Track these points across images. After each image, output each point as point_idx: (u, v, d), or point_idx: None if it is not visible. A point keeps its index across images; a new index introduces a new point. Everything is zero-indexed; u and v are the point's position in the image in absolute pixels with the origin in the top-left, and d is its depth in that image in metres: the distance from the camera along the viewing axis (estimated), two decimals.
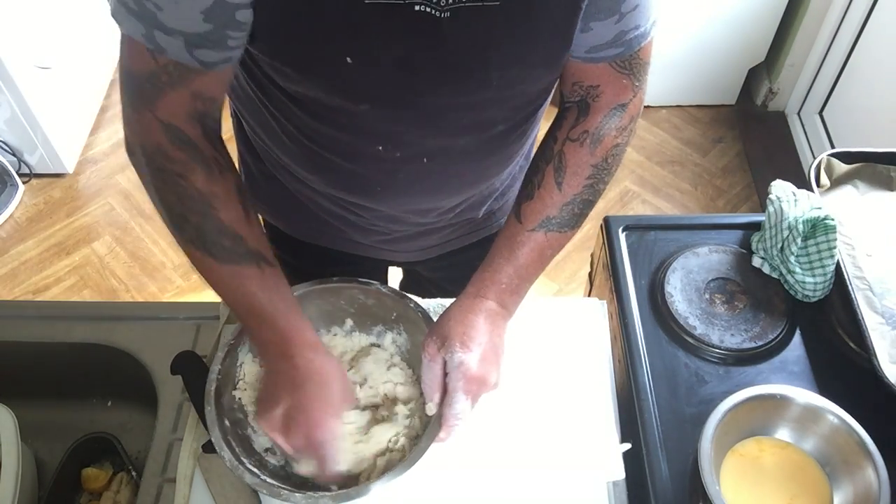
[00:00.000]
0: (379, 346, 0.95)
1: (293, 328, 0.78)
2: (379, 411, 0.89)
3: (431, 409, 0.81)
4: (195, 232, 0.74)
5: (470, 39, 0.68)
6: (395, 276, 1.35)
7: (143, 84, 0.69)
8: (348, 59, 0.68)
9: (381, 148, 0.80)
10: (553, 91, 0.88)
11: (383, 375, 0.91)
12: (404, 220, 0.98)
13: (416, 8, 0.64)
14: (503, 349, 0.84)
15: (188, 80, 0.69)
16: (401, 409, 0.88)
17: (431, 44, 0.68)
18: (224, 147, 0.77)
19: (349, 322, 0.96)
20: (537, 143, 0.90)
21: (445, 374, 0.80)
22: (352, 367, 0.93)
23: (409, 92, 0.73)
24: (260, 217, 1.12)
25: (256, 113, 0.86)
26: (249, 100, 0.85)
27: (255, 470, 0.79)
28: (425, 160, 0.83)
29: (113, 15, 0.67)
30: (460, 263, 1.13)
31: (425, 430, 0.81)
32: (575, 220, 0.86)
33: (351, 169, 0.85)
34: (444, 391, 0.80)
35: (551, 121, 0.88)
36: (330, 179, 0.89)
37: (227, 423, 0.83)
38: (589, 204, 0.86)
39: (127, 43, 0.68)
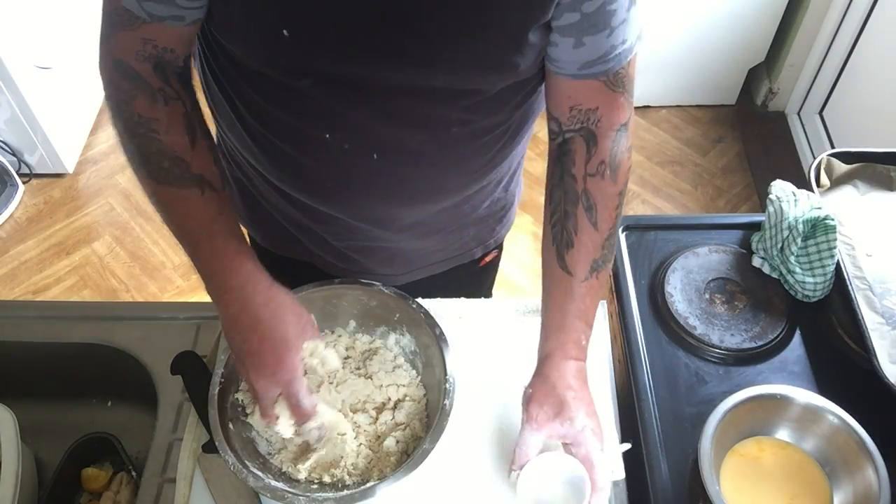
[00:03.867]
0: (382, 346, 0.95)
1: (232, 255, 0.77)
2: (383, 413, 0.89)
3: (514, 477, 0.80)
4: (139, 155, 0.77)
5: (421, 23, 0.68)
6: None
7: (105, 20, 0.74)
8: (285, 33, 0.68)
9: (328, 136, 0.80)
10: (518, 127, 0.87)
11: (388, 377, 0.91)
12: (365, 232, 0.95)
13: None
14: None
15: (136, 26, 0.72)
16: (405, 410, 0.88)
17: (375, 23, 0.68)
18: (183, 87, 0.78)
19: (352, 323, 0.96)
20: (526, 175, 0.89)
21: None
22: (358, 367, 0.93)
23: (352, 73, 0.73)
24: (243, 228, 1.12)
25: (221, 106, 0.86)
26: (212, 88, 0.86)
27: (259, 473, 0.79)
28: (375, 156, 0.81)
29: None
30: (433, 291, 1.06)
31: (428, 432, 0.81)
32: (612, 254, 0.86)
33: (300, 160, 0.84)
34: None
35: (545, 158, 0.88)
36: (282, 172, 0.88)
37: (230, 426, 0.83)
38: (616, 232, 0.87)
39: None
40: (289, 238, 1.02)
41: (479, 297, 1.07)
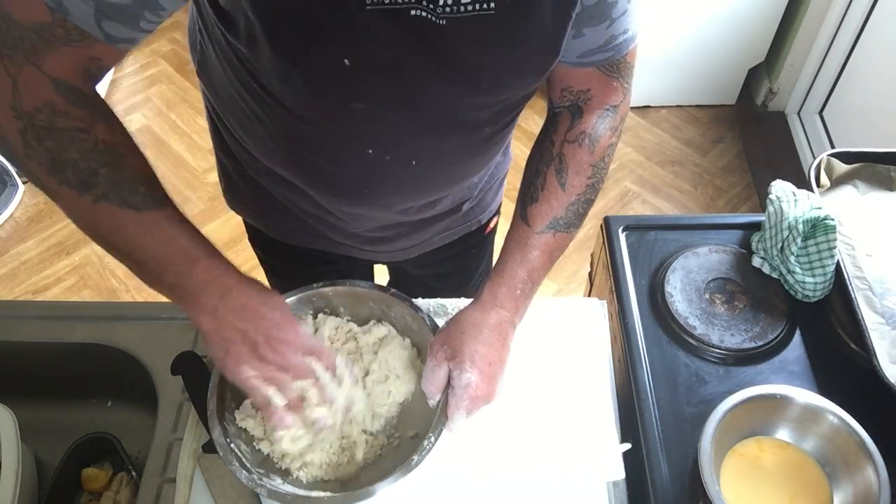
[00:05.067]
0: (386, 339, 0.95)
1: (226, 264, 0.77)
2: (386, 417, 0.89)
3: (432, 404, 0.83)
4: (108, 185, 0.69)
5: (465, 46, 0.69)
6: (380, 274, 1.35)
7: (28, 34, 0.62)
8: (346, 62, 0.68)
9: (370, 151, 0.80)
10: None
11: (389, 383, 0.90)
12: (385, 220, 0.98)
13: (413, 13, 0.64)
14: (508, 360, 0.85)
15: (86, 45, 0.64)
16: (408, 411, 0.88)
17: (428, 49, 0.68)
18: (104, 100, 0.72)
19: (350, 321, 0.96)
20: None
21: (448, 378, 0.82)
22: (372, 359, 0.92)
23: (404, 94, 0.73)
24: (242, 220, 1.12)
25: (241, 116, 0.86)
26: (234, 104, 0.84)
27: (260, 473, 0.79)
28: (414, 162, 0.83)
29: None
30: (444, 261, 1.17)
31: (427, 431, 0.81)
32: (579, 220, 0.88)
33: (338, 172, 0.85)
34: (444, 392, 0.82)
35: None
36: (316, 183, 0.89)
37: (228, 427, 0.83)
38: (590, 203, 0.88)
39: None
40: (302, 229, 1.04)
41: (487, 264, 1.13)
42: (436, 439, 0.80)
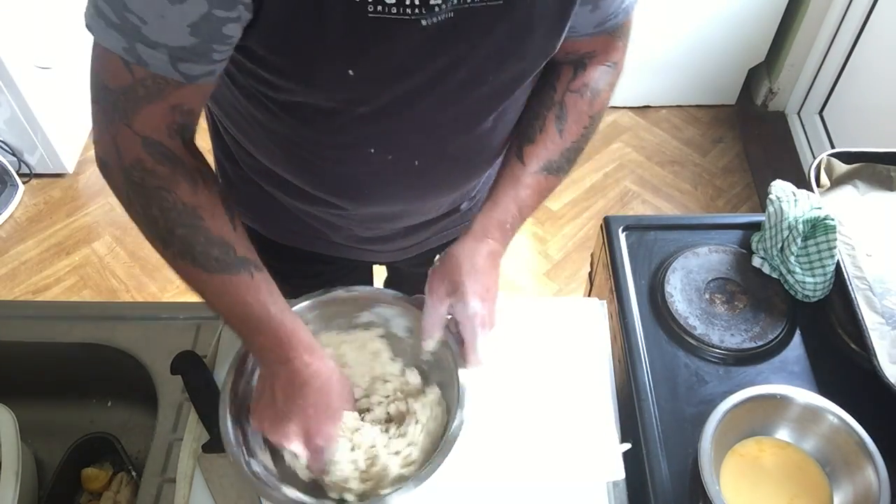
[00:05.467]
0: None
1: (289, 332, 0.78)
2: (391, 426, 0.88)
3: (430, 345, 0.84)
4: (183, 245, 0.73)
5: (473, 41, 0.69)
6: (378, 274, 1.35)
7: (118, 97, 0.67)
8: (350, 72, 0.68)
9: (372, 150, 0.80)
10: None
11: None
12: (387, 219, 0.98)
13: (415, 19, 0.64)
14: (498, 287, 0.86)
15: (167, 93, 0.67)
16: (416, 413, 0.88)
17: (431, 53, 0.68)
18: (202, 155, 0.76)
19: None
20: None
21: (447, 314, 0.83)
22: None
23: (407, 97, 0.73)
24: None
25: (240, 120, 0.86)
26: (233, 108, 0.84)
27: (272, 481, 0.79)
28: (416, 162, 0.83)
29: (88, 27, 0.64)
30: None
31: (436, 447, 0.80)
32: (569, 165, 0.89)
33: (340, 172, 0.85)
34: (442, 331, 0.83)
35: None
36: (318, 184, 0.89)
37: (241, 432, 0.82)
38: (580, 151, 0.90)
39: (101, 56, 0.66)
40: (301, 230, 1.04)
41: None
42: (447, 452, 0.78)
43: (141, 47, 0.63)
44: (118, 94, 0.67)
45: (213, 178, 0.75)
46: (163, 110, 0.68)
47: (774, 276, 1.08)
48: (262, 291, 0.77)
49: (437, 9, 0.65)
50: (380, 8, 0.63)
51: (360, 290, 0.92)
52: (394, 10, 0.63)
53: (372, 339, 0.91)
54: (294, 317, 0.80)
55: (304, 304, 0.90)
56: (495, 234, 0.85)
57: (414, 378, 0.88)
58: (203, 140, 0.82)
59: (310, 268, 1.13)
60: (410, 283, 1.31)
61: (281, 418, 0.77)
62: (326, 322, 0.91)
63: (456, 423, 0.81)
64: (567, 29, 0.75)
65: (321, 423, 0.77)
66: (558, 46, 0.77)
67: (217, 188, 0.75)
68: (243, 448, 0.80)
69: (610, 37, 0.85)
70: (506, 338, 0.99)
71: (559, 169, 0.88)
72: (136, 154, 0.69)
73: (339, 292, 0.91)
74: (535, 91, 0.89)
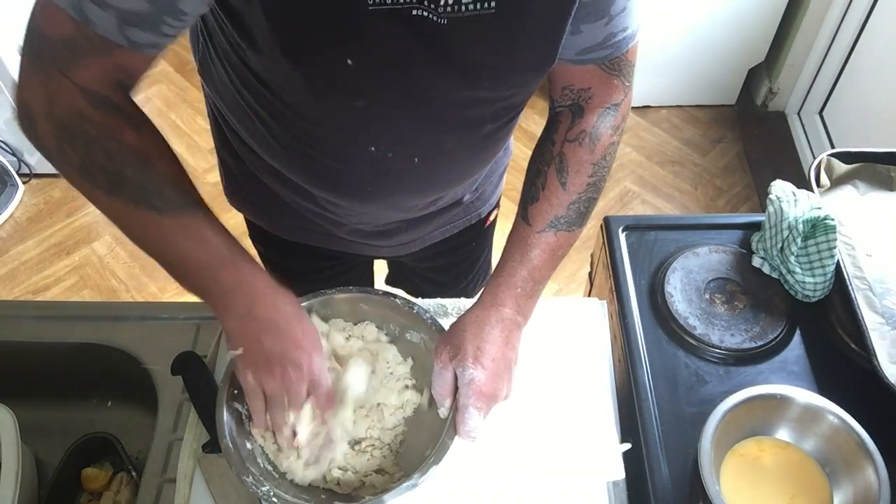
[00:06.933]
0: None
1: (255, 269, 0.77)
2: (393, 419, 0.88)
3: (444, 412, 0.82)
4: (135, 187, 0.70)
5: (466, 44, 0.69)
6: (380, 269, 1.35)
7: (58, 47, 0.65)
8: (349, 62, 0.68)
9: (373, 148, 0.80)
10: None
11: (401, 396, 0.89)
12: (388, 216, 0.98)
13: (415, 12, 0.65)
14: (517, 360, 0.84)
15: (110, 52, 0.65)
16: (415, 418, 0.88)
17: (429, 48, 0.68)
18: (141, 110, 0.74)
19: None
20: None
21: (456, 381, 0.81)
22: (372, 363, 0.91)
23: (406, 92, 0.74)
24: (242, 216, 1.13)
25: (243, 117, 0.86)
26: (236, 103, 0.85)
27: (265, 483, 0.79)
28: (416, 159, 0.83)
29: None
30: (444, 254, 1.18)
31: (436, 441, 0.80)
32: (581, 219, 0.88)
33: (342, 170, 0.85)
34: (455, 398, 0.81)
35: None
36: (319, 180, 0.89)
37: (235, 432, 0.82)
38: (592, 202, 0.88)
39: (45, 6, 0.64)
40: (304, 226, 1.04)
41: (486, 257, 1.15)
42: (444, 452, 0.79)
43: (90, 6, 0.61)
44: (57, 44, 0.65)
45: (155, 128, 0.74)
46: (105, 66, 0.67)
47: (774, 276, 1.08)
48: (220, 228, 0.76)
49: (439, 10, 0.65)
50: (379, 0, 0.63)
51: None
52: (390, 1, 0.63)
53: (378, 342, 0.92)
54: (251, 257, 0.79)
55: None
56: (505, 301, 0.83)
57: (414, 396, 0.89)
58: (203, 140, 0.82)
59: (312, 264, 1.13)
60: (412, 278, 1.31)
61: (270, 359, 0.76)
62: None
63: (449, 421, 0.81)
64: (562, 42, 0.74)
65: (317, 354, 0.78)
66: (555, 60, 0.76)
67: (161, 136, 0.73)
68: (240, 450, 0.80)
69: (607, 74, 0.83)
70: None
71: (570, 223, 0.86)
72: (76, 104, 0.67)
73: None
74: (536, 147, 0.89)
